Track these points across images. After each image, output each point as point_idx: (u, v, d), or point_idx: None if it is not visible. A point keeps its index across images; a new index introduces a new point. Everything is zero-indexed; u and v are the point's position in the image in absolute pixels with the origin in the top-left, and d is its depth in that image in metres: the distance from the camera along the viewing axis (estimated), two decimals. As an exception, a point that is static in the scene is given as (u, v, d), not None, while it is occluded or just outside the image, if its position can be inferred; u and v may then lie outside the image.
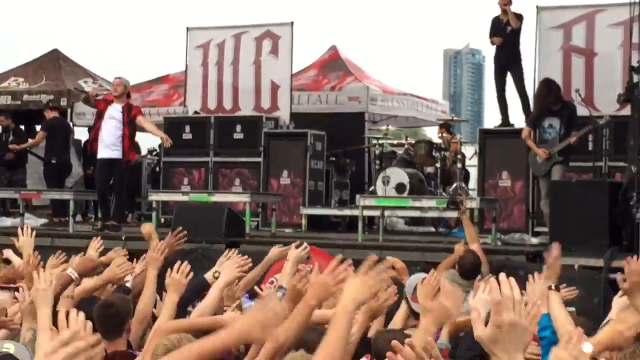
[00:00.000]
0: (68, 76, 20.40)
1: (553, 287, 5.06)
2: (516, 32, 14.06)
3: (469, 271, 9.21)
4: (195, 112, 16.45)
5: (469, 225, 10.56)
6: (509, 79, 14.17)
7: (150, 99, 19.30)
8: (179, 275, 5.44)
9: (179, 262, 5.57)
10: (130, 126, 13.76)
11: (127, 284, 6.89)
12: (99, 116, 13.90)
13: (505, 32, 14.06)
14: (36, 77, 20.17)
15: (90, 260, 6.63)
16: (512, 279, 2.83)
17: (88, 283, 6.55)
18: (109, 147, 13.70)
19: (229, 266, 5.75)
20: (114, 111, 13.75)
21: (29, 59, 21.39)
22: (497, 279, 2.85)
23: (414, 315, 6.06)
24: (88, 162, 16.64)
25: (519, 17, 14.04)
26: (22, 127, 21.59)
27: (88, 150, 15.35)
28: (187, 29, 17.00)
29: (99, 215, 15.10)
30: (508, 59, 14.10)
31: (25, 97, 19.59)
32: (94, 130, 14.09)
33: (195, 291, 5.77)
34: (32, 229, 7.70)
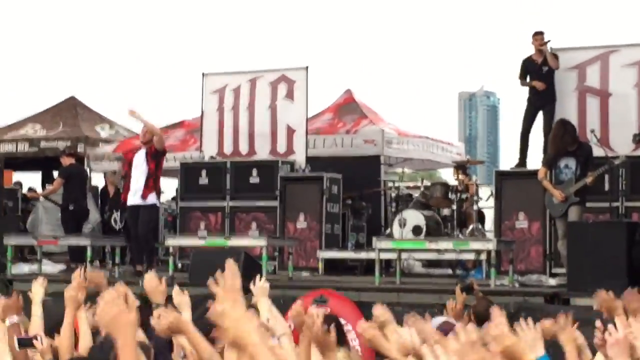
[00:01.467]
0: (85, 122, 20.57)
1: None
2: (551, 72, 14.06)
3: (483, 318, 9.11)
4: (212, 157, 16.52)
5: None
6: (537, 119, 14.13)
7: (166, 144, 19.34)
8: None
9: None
10: (155, 160, 13.88)
11: None
12: (129, 167, 14.10)
13: (542, 73, 14.07)
14: (53, 124, 20.33)
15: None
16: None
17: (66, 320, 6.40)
18: (136, 193, 13.84)
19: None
20: (139, 157, 13.94)
21: (46, 106, 21.56)
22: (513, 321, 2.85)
23: None
24: (112, 207, 16.66)
25: (557, 57, 14.05)
26: (39, 173, 21.81)
27: (122, 200, 15.39)
28: (203, 74, 17.12)
29: (116, 261, 15.14)
30: (544, 99, 14.06)
31: (43, 143, 19.75)
32: (126, 181, 14.28)
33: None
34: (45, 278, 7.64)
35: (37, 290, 7.02)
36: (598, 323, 4.42)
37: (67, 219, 16.26)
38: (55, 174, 17.89)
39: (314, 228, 15.02)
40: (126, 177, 14.34)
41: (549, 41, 14.11)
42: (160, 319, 4.99)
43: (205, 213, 15.88)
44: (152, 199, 13.95)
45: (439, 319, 6.54)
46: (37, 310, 6.80)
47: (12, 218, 17.78)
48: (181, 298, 6.41)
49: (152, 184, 13.88)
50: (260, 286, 6.69)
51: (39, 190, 19.36)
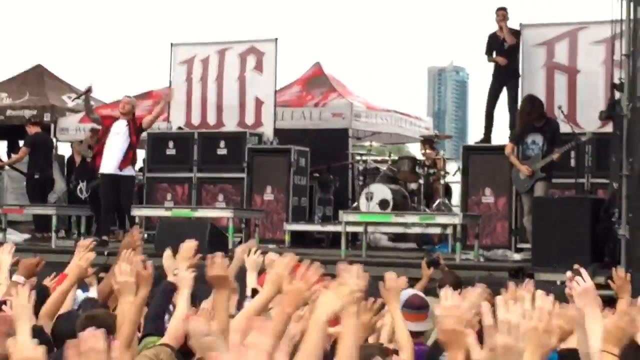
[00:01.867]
0: (52, 91, 20.37)
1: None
2: (514, 48, 14.12)
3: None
4: (179, 128, 16.44)
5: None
6: (502, 95, 14.20)
7: (108, 112, 19.25)
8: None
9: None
10: (137, 135, 13.98)
11: (90, 294, 6.81)
12: (104, 132, 14.02)
13: (504, 49, 14.13)
14: (20, 93, 20.12)
15: (30, 261, 6.53)
16: (518, 303, 2.85)
17: (62, 287, 6.39)
18: (112, 163, 13.79)
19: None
20: (119, 127, 13.89)
21: (13, 74, 21.36)
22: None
23: None
24: (78, 176, 16.54)
25: (515, 34, 14.11)
26: (5, 142, 21.61)
27: (89, 165, 15.40)
28: (171, 44, 17.00)
29: (81, 230, 15.08)
30: (507, 75, 14.13)
31: (9, 112, 19.56)
32: (99, 145, 14.20)
33: (165, 297, 5.69)
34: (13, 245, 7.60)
35: (5, 258, 6.99)
36: (569, 274, 4.43)
37: (32, 188, 16.18)
38: (21, 143, 17.75)
39: (281, 200, 15.01)
40: (99, 141, 14.25)
41: (507, 19, 14.13)
42: (214, 263, 4.91)
43: (172, 184, 15.83)
44: (129, 170, 14.00)
45: (409, 291, 6.54)
46: (2, 277, 6.77)
47: (-23, 186, 17.67)
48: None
49: (130, 156, 13.91)
50: (254, 259, 6.71)
51: (4, 159, 19.22)
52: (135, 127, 13.91)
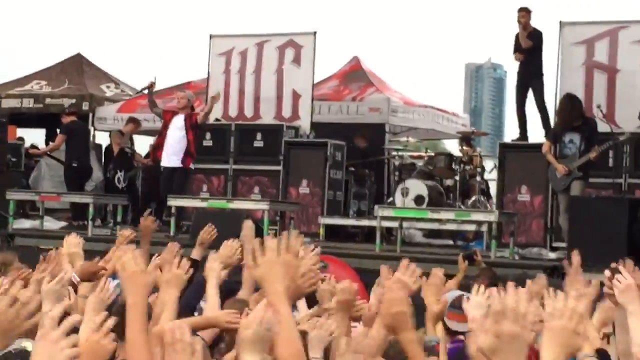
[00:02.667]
0: (90, 80, 20.51)
1: None
2: (537, 48, 14.06)
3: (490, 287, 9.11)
4: (216, 120, 16.49)
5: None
6: (530, 94, 14.16)
7: (171, 105, 19.29)
8: (180, 271, 5.04)
9: (179, 257, 5.31)
10: (193, 131, 14.10)
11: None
12: (165, 126, 14.29)
13: (523, 49, 14.07)
14: (59, 81, 20.27)
15: (93, 265, 6.48)
16: (520, 289, 2.82)
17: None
18: (172, 157, 14.06)
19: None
20: (178, 121, 14.14)
21: (52, 62, 21.50)
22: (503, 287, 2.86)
23: (449, 333, 6.05)
24: (116, 166, 16.62)
25: (532, 36, 14.01)
26: (44, 130, 21.78)
27: (150, 156, 15.92)
28: (210, 36, 17.06)
29: (118, 219, 15.16)
30: (530, 75, 14.09)
31: (48, 100, 19.71)
32: (159, 137, 14.43)
33: (197, 292, 5.70)
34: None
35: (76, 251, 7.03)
36: (607, 273, 4.40)
37: (70, 176, 16.27)
38: (59, 131, 17.87)
39: (316, 194, 15.03)
40: (160, 134, 14.44)
41: (526, 19, 14.04)
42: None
43: (208, 175, 15.90)
44: (189, 164, 14.23)
45: (455, 293, 6.54)
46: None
47: (15, 173, 17.79)
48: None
49: (192, 151, 14.12)
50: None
51: (42, 147, 19.37)
52: (191, 123, 14.10)
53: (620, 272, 4.22)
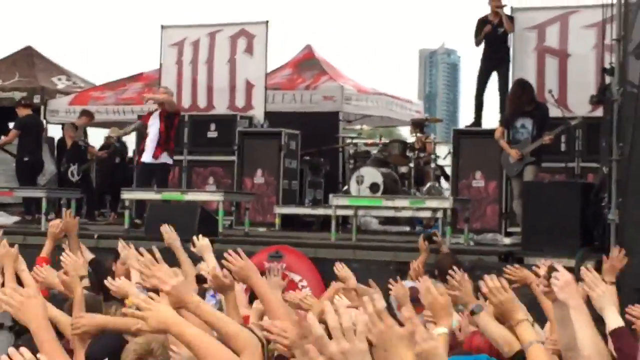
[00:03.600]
0: (41, 73, 20.31)
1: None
2: (506, 34, 14.10)
3: (447, 273, 9.11)
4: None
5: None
6: (491, 80, 14.19)
7: (124, 97, 19.24)
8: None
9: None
10: (167, 121, 13.93)
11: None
12: (146, 128, 14.15)
13: (497, 34, 14.09)
14: (9, 74, 20.05)
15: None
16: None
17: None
18: (147, 152, 13.96)
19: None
20: (153, 118, 14.04)
21: (2, 56, 21.27)
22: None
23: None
24: (70, 159, 16.47)
25: (512, 20, 14.08)
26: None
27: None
28: (162, 27, 16.95)
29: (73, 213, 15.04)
30: (497, 60, 14.11)
31: (-2, 93, 19.48)
32: (142, 141, 14.31)
33: None
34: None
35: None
36: (542, 272, 4.42)
37: (22, 171, 16.13)
38: (11, 125, 17.69)
39: (271, 183, 15.00)
40: (143, 139, 14.32)
41: (504, 5, 14.14)
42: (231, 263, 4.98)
43: (163, 167, 15.78)
44: (164, 157, 14.00)
45: (408, 284, 6.56)
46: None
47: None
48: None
49: (163, 143, 13.91)
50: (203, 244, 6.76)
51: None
52: (164, 115, 13.94)
53: (556, 269, 4.25)
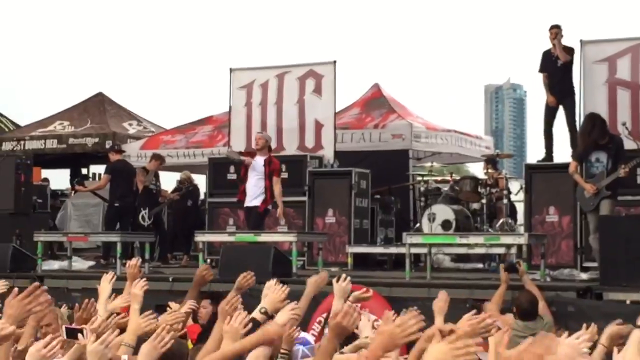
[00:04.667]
0: (113, 119, 20.62)
1: None
2: (568, 66, 13.96)
3: (526, 312, 8.99)
4: (240, 153, 16.48)
5: (532, 286, 10.33)
6: (559, 113, 14.05)
7: (194, 140, 19.40)
8: (238, 324, 4.97)
9: (239, 311, 5.25)
10: (270, 178, 13.94)
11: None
12: (246, 170, 14.12)
13: (557, 66, 13.97)
14: (81, 121, 20.39)
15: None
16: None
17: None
18: (251, 198, 13.94)
19: (283, 311, 5.66)
20: (257, 164, 14.00)
21: (74, 102, 21.62)
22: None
23: None
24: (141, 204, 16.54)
25: (569, 51, 13.95)
26: (69, 170, 21.85)
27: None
28: (231, 69, 17.09)
29: (145, 257, 15.15)
30: (561, 93, 13.98)
31: (71, 140, 19.80)
32: (243, 183, 14.27)
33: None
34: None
35: (105, 287, 7.02)
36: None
37: (110, 216, 16.21)
38: (84, 170, 17.91)
39: (342, 223, 14.98)
40: (242, 181, 14.29)
41: (562, 35, 13.96)
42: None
43: (234, 209, 15.85)
44: (262, 209, 14.01)
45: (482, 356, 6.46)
46: (101, 306, 6.80)
47: (41, 215, 17.83)
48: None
49: (268, 197, 13.93)
50: (342, 286, 6.63)
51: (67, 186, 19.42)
52: (270, 170, 13.91)
53: None
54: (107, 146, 19.11)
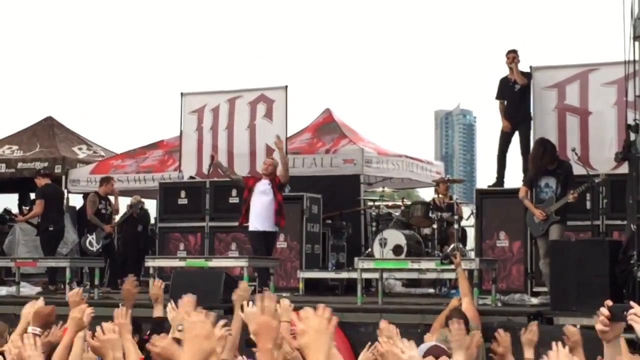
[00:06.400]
0: (62, 143, 20.43)
1: None
2: (525, 91, 14.05)
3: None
4: (191, 177, 16.42)
5: (463, 278, 10.46)
6: (514, 138, 14.12)
7: (145, 165, 19.29)
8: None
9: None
10: (280, 191, 13.97)
11: None
12: (249, 192, 14.02)
13: (514, 91, 14.06)
14: (30, 145, 20.18)
15: (43, 310, 6.29)
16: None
17: (63, 341, 6.14)
18: (263, 221, 13.81)
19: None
20: (262, 186, 13.92)
21: (23, 126, 21.41)
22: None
23: None
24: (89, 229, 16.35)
25: (526, 75, 14.05)
26: (17, 195, 21.60)
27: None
28: (182, 94, 17.04)
29: (95, 282, 15.01)
30: (517, 119, 14.04)
31: (20, 164, 19.58)
32: (245, 204, 14.13)
33: None
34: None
35: (25, 313, 6.88)
36: (605, 312, 4.20)
37: (47, 240, 16.07)
38: (32, 195, 17.72)
39: (294, 248, 14.96)
40: (245, 202, 14.20)
41: (518, 61, 14.07)
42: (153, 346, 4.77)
43: (185, 234, 15.78)
44: (275, 227, 13.98)
45: (427, 344, 6.44)
46: (20, 331, 6.66)
47: (-12, 240, 17.62)
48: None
49: (283, 212, 13.92)
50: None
51: (15, 211, 19.21)
52: (277, 185, 13.91)
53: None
54: (57, 170, 18.97)
